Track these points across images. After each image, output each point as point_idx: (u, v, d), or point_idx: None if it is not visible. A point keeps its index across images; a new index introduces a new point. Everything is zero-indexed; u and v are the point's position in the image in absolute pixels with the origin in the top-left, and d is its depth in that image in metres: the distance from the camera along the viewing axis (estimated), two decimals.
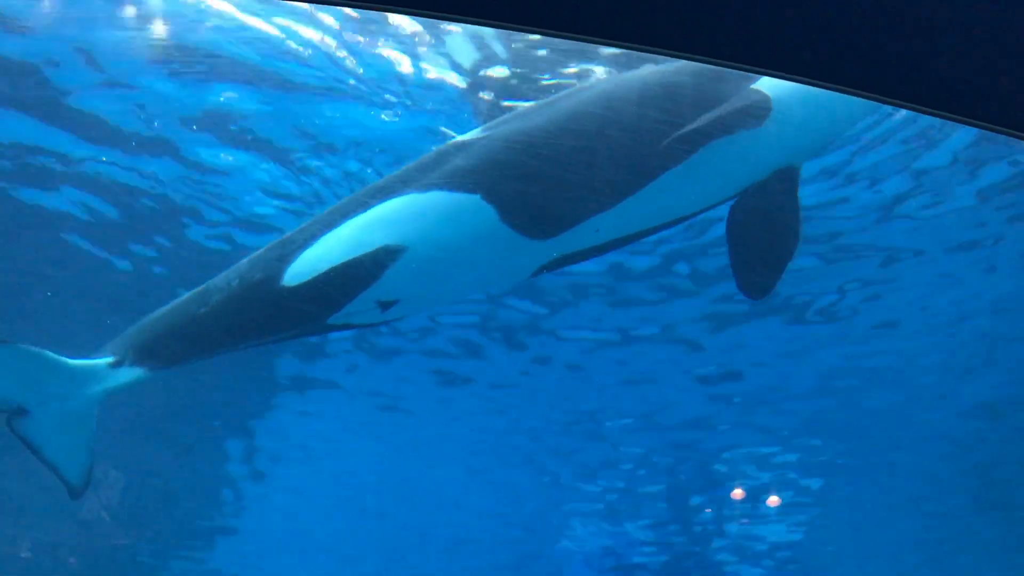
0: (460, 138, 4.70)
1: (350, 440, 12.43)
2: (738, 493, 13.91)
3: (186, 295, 5.05)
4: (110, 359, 4.96)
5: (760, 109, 4.17)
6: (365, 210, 4.56)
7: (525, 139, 4.34)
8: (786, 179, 4.35)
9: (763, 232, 4.42)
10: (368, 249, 4.50)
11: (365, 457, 12.93)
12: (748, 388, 10.70)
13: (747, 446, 12.33)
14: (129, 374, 4.93)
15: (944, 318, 9.31)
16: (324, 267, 4.56)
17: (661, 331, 9.47)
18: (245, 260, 4.92)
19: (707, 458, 12.60)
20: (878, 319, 9.30)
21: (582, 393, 11.03)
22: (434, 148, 4.72)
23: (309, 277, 4.58)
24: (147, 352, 4.96)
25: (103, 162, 6.75)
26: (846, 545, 15.18)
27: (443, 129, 6.04)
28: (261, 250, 4.90)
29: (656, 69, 4.41)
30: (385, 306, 4.71)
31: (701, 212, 4.56)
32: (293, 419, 11.68)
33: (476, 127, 5.15)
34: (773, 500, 14.08)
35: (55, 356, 4.92)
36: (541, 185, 4.30)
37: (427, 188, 4.42)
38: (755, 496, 13.82)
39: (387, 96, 5.97)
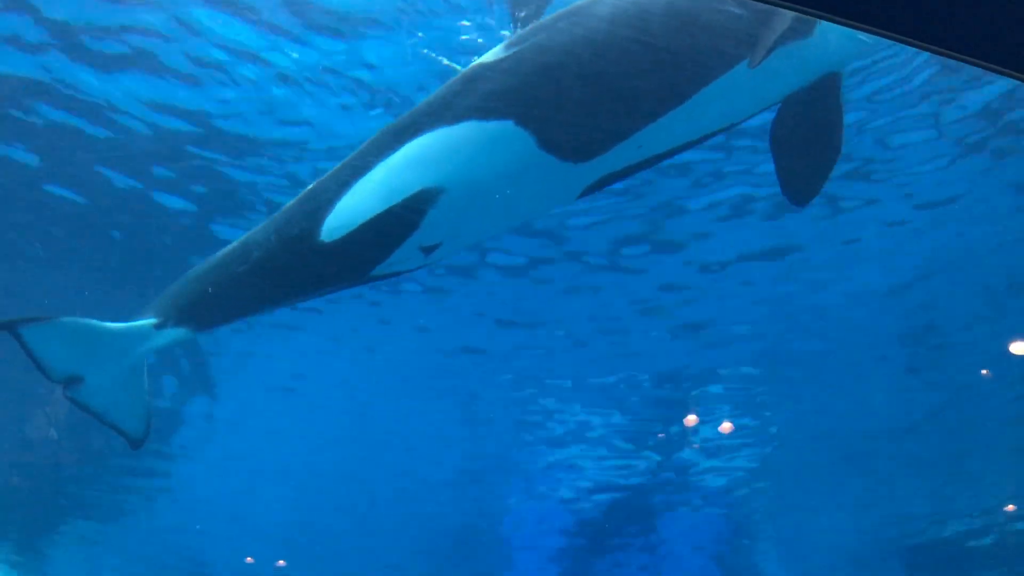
0: (483, 58, 4.37)
1: (311, 371, 12.14)
2: (691, 420, 14.08)
3: (224, 251, 4.87)
4: (153, 320, 4.88)
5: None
6: (395, 151, 4.28)
7: (556, 54, 4.02)
8: (831, 85, 4.21)
9: (808, 138, 4.27)
10: (403, 196, 4.26)
11: (324, 388, 12.69)
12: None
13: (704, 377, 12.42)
14: (173, 334, 4.90)
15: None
16: (361, 220, 4.35)
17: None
18: (281, 212, 4.69)
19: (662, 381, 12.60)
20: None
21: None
22: (459, 72, 4.34)
23: (347, 232, 4.38)
24: (189, 312, 4.89)
25: None
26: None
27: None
28: (297, 199, 4.67)
29: None
30: (428, 250, 4.50)
31: (744, 120, 4.35)
32: (252, 346, 11.37)
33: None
34: (726, 427, 14.29)
35: (98, 323, 4.86)
36: (578, 104, 4.02)
37: (457, 120, 4.15)
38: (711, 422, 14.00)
39: None
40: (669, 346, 11.49)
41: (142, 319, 4.89)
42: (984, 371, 12.35)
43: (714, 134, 4.39)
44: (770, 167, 7.93)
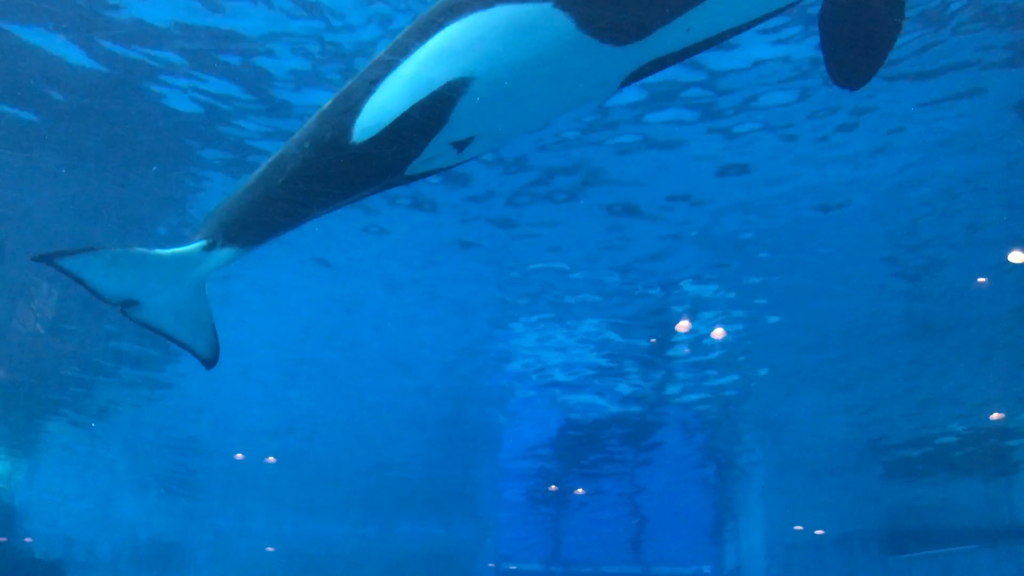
0: None
1: (301, 270, 11.97)
2: (683, 325, 14.02)
3: (263, 165, 4.74)
4: (202, 243, 4.82)
5: None
6: (423, 43, 3.98)
7: None
8: None
9: (863, 16, 3.90)
10: (432, 89, 3.98)
11: (314, 287, 12.55)
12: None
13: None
14: (223, 255, 4.84)
15: None
16: (389, 118, 4.13)
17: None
18: (314, 117, 4.51)
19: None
20: None
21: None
22: None
23: (376, 131, 4.18)
24: (236, 231, 4.81)
25: None
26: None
27: None
28: (328, 102, 4.44)
29: None
30: (460, 146, 4.27)
31: (799, 1, 3.98)
32: None
33: None
34: (718, 332, 14.25)
35: (146, 250, 4.83)
36: None
37: (488, 4, 3.79)
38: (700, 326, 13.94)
39: None
40: (662, 245, 11.33)
41: (191, 242, 4.84)
42: (981, 279, 12.29)
43: (772, 15, 4.01)
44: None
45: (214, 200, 10.12)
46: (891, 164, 9.47)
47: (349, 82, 4.41)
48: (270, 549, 29.17)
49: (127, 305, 4.92)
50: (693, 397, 16.68)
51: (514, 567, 33.17)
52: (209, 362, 5.27)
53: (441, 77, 3.95)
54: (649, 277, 12.09)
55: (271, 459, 22.12)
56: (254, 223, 4.83)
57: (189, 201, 10.22)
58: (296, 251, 11.39)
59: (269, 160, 4.71)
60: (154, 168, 9.45)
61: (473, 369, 15.66)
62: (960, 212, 10.48)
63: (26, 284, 12.36)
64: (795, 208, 10.28)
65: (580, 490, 24.44)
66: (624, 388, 16.34)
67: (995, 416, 17.02)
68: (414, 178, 4.53)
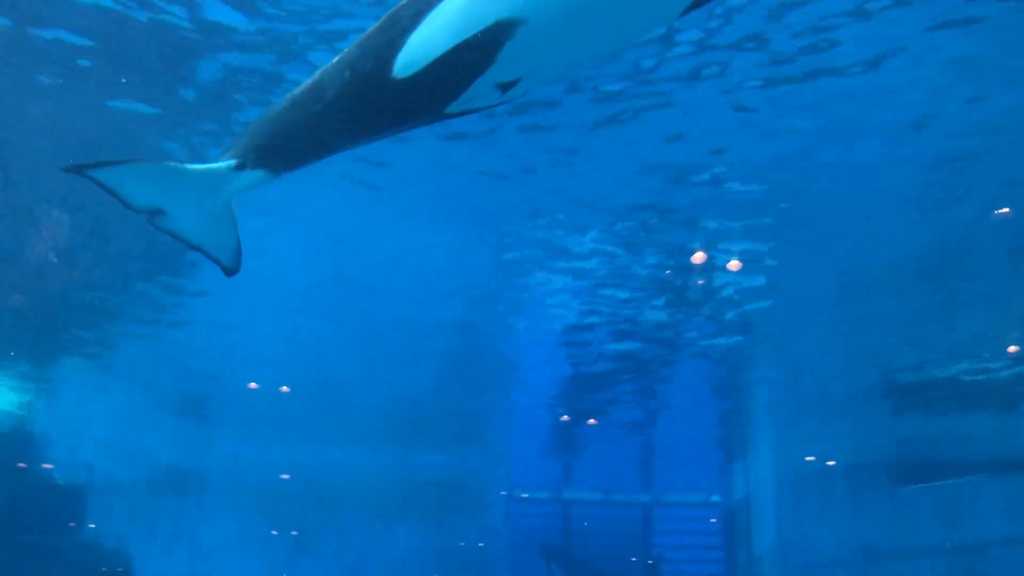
0: None
1: (315, 201, 11.97)
2: (698, 256, 13.92)
3: (299, 89, 4.63)
4: (232, 162, 4.76)
5: None
6: None
7: None
8: None
9: None
10: (479, 28, 3.80)
11: (328, 218, 12.52)
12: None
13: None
14: (252, 177, 4.79)
15: None
16: (433, 55, 3.98)
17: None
18: (355, 45, 4.36)
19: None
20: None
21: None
22: None
23: (419, 67, 4.03)
24: (267, 154, 4.74)
25: None
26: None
27: None
28: (369, 32, 4.29)
29: None
30: (505, 87, 4.11)
31: None
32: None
33: None
34: (733, 264, 14.16)
35: (176, 165, 4.90)
36: None
37: None
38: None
39: None
40: (678, 177, 11.11)
41: (222, 160, 4.80)
42: (1006, 209, 12.15)
43: None
44: None
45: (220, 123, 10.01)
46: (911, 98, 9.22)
47: (393, 9, 4.20)
48: (285, 476, 29.65)
49: (154, 214, 4.98)
50: (707, 326, 16.65)
51: (525, 495, 33.69)
52: (230, 270, 5.30)
53: (488, 16, 3.75)
54: (665, 211, 11.97)
55: (285, 388, 22.32)
56: (284, 148, 4.76)
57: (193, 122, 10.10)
58: (310, 176, 11.22)
59: (305, 84, 4.58)
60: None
61: (487, 296, 15.64)
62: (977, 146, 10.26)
63: (32, 210, 12.31)
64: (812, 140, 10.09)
65: (592, 420, 24.63)
66: (637, 317, 16.30)
67: (1012, 349, 16.95)
68: (453, 116, 4.36)
